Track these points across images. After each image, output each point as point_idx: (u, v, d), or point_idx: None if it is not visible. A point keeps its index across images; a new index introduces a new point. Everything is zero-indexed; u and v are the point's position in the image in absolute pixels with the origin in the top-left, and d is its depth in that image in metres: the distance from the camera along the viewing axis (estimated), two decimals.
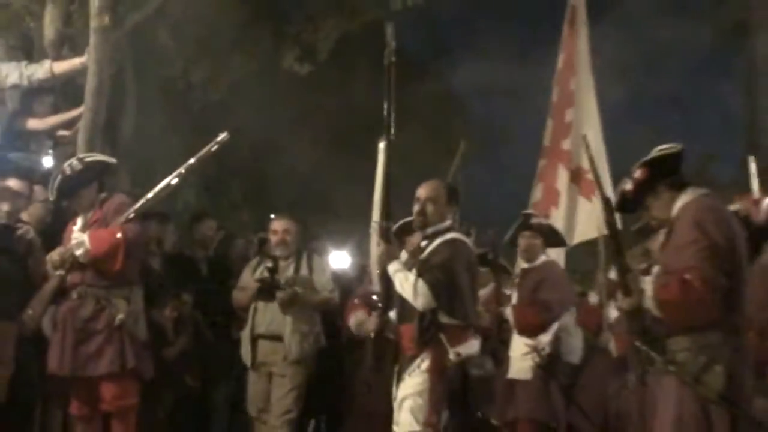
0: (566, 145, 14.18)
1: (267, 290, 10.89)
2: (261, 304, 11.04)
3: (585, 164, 13.30)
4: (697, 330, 6.40)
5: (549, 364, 10.64)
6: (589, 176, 12.93)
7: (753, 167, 10.07)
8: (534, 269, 11.02)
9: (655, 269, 6.89)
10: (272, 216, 11.65)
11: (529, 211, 11.55)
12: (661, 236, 7.05)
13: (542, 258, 11.08)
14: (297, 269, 11.15)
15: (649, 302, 6.51)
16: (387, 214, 8.34)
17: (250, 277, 11.18)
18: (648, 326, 6.65)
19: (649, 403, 6.96)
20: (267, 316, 11.00)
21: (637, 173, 6.94)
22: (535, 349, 10.64)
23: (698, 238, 6.40)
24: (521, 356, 10.74)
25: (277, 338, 10.97)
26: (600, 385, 11.63)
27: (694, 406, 6.32)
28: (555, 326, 10.85)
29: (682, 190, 6.77)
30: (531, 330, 10.77)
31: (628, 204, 7.15)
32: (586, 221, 13.30)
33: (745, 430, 6.34)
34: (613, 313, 10.95)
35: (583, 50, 14.66)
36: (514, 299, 11.09)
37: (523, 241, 11.13)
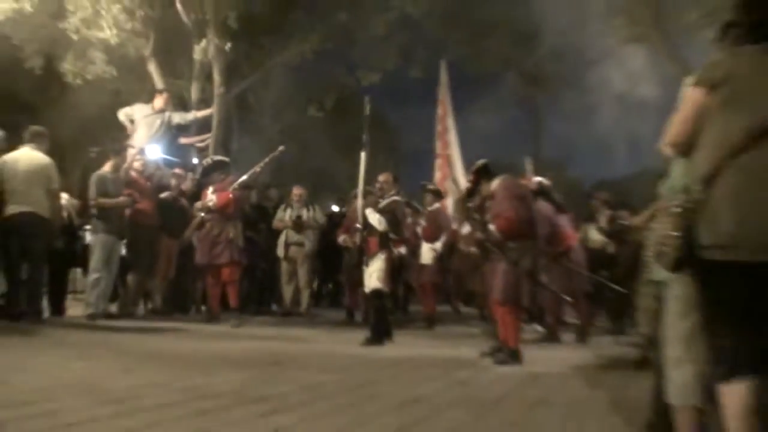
0: (447, 150, 14.24)
1: (297, 225, 11.11)
2: (291, 231, 11.20)
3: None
4: (517, 239, 6.54)
5: (440, 257, 10.60)
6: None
7: (529, 163, 10.10)
8: (431, 211, 10.87)
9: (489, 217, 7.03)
10: (294, 186, 11.65)
11: (424, 182, 11.50)
12: (489, 203, 7.07)
13: (435, 205, 10.92)
14: (308, 211, 11.28)
15: (494, 232, 6.64)
16: (366, 186, 8.30)
17: (282, 214, 11.29)
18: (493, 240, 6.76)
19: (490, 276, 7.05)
20: (295, 234, 11.15)
21: (470, 178, 7.20)
22: (433, 249, 10.53)
23: (507, 194, 6.65)
24: (426, 251, 10.63)
25: (300, 244, 11.17)
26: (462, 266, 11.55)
27: (514, 278, 6.48)
28: (443, 238, 10.67)
29: (492, 179, 6.92)
30: (430, 239, 10.63)
31: (470, 194, 7.26)
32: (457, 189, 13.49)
33: (538, 290, 6.87)
34: (464, 229, 10.87)
35: (449, 107, 14.58)
36: (423, 224, 10.94)
37: (425, 197, 10.98)
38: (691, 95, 2.82)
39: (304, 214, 11.23)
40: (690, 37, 12.79)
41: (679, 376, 2.98)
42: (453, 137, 14.54)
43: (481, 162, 7.14)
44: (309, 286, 11.45)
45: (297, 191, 11.38)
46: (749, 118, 2.65)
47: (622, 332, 9.96)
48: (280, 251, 11.20)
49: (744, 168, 2.63)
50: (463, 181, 13.27)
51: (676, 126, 2.85)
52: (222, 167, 9.73)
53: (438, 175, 14.21)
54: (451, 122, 14.67)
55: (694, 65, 10.03)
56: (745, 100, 2.69)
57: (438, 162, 14.32)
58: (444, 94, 14.79)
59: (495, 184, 6.86)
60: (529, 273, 6.56)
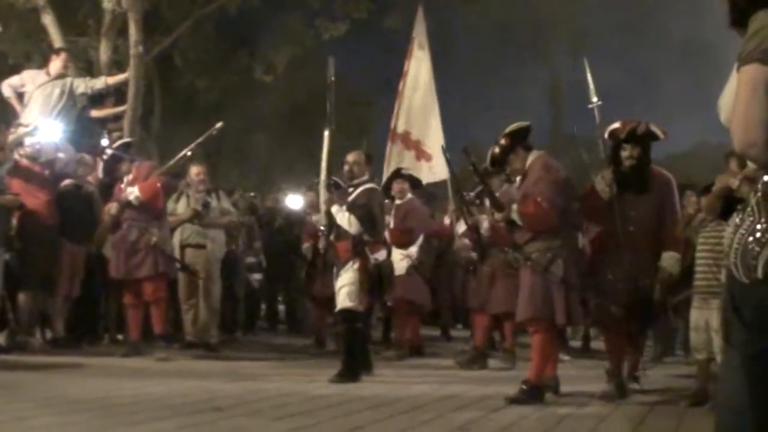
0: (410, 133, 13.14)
1: (197, 217, 10.43)
2: (187, 225, 10.52)
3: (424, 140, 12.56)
4: (544, 237, 6.68)
5: (417, 265, 10.50)
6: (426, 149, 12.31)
7: None
8: (403, 204, 10.74)
9: (518, 197, 7.09)
10: (192, 165, 10.82)
11: (400, 166, 11.30)
12: (518, 181, 7.23)
13: (408, 196, 10.82)
14: (211, 199, 10.85)
15: (515, 215, 6.77)
16: (330, 176, 8.28)
17: (174, 206, 10.62)
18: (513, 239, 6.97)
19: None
20: (193, 231, 10.50)
21: (503, 141, 7.04)
22: (407, 256, 10.43)
23: (544, 176, 6.74)
24: (399, 260, 10.28)
25: (201, 246, 10.52)
26: (450, 277, 11.72)
27: (542, 287, 6.60)
28: (419, 241, 10.64)
29: (530, 151, 6.99)
30: (401, 244, 10.46)
31: (496, 162, 7.22)
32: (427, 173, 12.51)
33: (574, 299, 6.69)
34: (460, 227, 10.74)
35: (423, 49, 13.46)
36: (391, 224, 10.75)
37: (396, 186, 10.82)
38: (745, 76, 2.71)
39: (213, 202, 10.83)
40: None
41: None
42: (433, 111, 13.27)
43: (519, 124, 7.13)
44: (215, 306, 10.68)
45: (196, 170, 10.75)
46: None
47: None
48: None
49: None
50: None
51: (741, 122, 2.70)
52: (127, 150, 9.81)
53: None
54: (419, 69, 13.20)
55: None
56: None
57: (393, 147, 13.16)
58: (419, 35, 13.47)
59: (532, 158, 6.97)
60: (564, 282, 6.61)
